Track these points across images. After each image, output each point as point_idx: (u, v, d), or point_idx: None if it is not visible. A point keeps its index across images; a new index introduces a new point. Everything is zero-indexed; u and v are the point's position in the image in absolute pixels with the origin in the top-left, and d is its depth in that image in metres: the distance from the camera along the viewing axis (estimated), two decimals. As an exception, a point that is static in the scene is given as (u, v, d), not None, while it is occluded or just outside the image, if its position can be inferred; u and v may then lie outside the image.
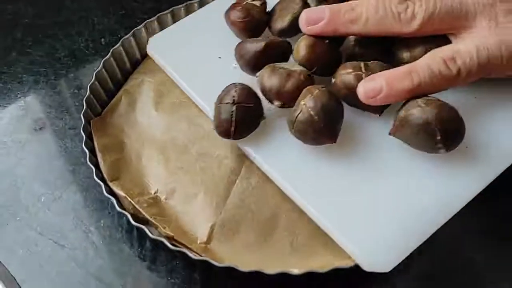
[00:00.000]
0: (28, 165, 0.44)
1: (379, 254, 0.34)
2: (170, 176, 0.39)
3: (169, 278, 0.38)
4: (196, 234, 0.37)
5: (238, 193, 0.38)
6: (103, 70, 0.45)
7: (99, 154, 0.41)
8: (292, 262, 0.36)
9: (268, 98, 0.38)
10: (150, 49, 0.45)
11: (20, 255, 0.39)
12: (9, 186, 0.43)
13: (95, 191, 0.42)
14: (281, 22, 0.41)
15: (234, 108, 0.37)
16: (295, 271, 0.34)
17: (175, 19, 0.49)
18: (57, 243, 0.40)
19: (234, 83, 0.38)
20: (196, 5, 0.49)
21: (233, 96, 0.37)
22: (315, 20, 0.38)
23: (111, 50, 0.45)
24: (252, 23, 0.42)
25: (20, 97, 0.49)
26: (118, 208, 0.37)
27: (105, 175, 0.40)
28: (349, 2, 0.38)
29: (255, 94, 0.38)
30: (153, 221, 0.38)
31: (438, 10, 0.37)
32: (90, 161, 0.40)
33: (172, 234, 0.37)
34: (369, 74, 0.36)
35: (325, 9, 0.38)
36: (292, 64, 0.39)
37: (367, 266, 0.34)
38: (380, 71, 0.37)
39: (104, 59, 0.45)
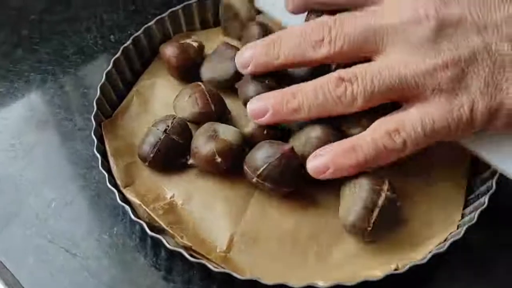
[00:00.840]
0: (36, 169, 0.42)
1: None
2: (187, 182, 0.38)
3: (186, 289, 0.37)
4: (215, 242, 0.36)
5: (259, 201, 0.37)
6: (113, 69, 0.43)
7: (111, 159, 0.39)
8: (317, 272, 0.34)
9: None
10: (258, 3, 0.45)
11: (31, 264, 0.38)
12: (17, 191, 0.41)
13: (107, 197, 0.40)
14: (210, 73, 0.42)
15: (162, 136, 0.37)
16: (322, 283, 0.33)
17: (187, 14, 0.47)
18: (69, 252, 0.38)
19: (174, 116, 0.38)
20: (208, 1, 0.47)
21: (167, 126, 0.37)
22: (261, 112, 0.37)
23: (121, 48, 0.43)
24: (186, 61, 0.42)
25: (27, 97, 0.47)
26: (133, 217, 0.36)
27: (118, 181, 0.38)
28: (292, 87, 0.37)
29: (189, 133, 0.38)
30: (169, 230, 0.36)
31: (377, 89, 0.35)
32: (102, 166, 0.38)
33: (190, 244, 0.35)
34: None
35: (268, 100, 0.37)
36: (227, 130, 0.38)
37: None
38: None
39: (114, 57, 0.43)
